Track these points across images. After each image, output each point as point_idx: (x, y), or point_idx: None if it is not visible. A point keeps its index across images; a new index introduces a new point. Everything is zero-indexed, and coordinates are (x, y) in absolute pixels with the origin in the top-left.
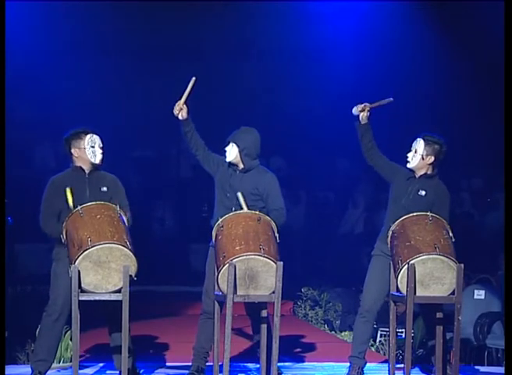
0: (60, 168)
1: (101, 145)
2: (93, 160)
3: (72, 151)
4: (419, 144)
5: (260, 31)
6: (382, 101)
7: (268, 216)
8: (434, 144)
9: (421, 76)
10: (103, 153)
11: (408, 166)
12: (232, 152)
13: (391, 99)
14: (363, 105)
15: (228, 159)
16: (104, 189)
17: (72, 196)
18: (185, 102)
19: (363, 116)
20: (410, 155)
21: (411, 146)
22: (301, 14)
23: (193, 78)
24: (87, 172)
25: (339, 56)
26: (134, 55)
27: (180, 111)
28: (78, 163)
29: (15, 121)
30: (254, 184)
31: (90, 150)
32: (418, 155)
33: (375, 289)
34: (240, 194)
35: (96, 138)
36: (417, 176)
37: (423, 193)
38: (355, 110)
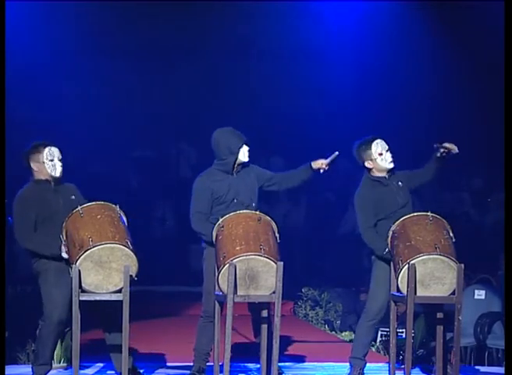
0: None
1: (60, 157)
2: (53, 173)
3: (32, 165)
4: (385, 144)
5: (260, 31)
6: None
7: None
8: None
9: (421, 76)
10: (62, 166)
11: (391, 166)
12: (247, 152)
13: (336, 153)
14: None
15: (246, 160)
16: (73, 197)
17: None
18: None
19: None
20: (389, 155)
21: (380, 150)
22: (301, 14)
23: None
24: (52, 183)
25: (339, 56)
26: (134, 55)
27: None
28: (39, 177)
29: (15, 121)
30: (251, 176)
31: (49, 163)
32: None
33: (384, 293)
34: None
35: (55, 151)
36: (387, 177)
37: (401, 184)
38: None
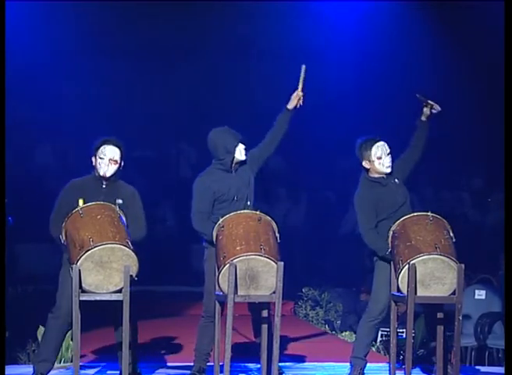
0: (59, 168)
1: (115, 158)
2: (99, 171)
3: (93, 159)
4: (387, 148)
5: (260, 31)
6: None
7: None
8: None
9: (421, 76)
10: (119, 167)
11: (388, 171)
12: (244, 151)
13: (303, 66)
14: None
15: (243, 158)
16: (120, 201)
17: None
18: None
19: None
20: (388, 160)
21: (380, 154)
22: (301, 14)
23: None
24: (104, 182)
25: (339, 56)
26: (134, 55)
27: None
28: (95, 172)
29: (15, 121)
30: (247, 172)
31: (98, 161)
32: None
33: (385, 295)
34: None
35: (109, 150)
36: (384, 177)
37: (397, 181)
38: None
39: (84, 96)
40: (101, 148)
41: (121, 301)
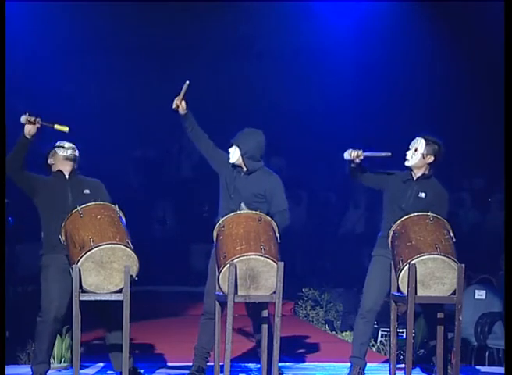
0: None
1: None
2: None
3: (49, 161)
4: (420, 143)
5: (260, 31)
6: (379, 154)
7: (271, 218)
8: (434, 144)
9: (422, 76)
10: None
11: (407, 163)
12: (235, 155)
13: (389, 154)
14: (356, 153)
15: (231, 161)
16: (87, 191)
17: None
18: (183, 98)
19: (355, 162)
20: (409, 153)
21: (409, 145)
22: (301, 14)
23: (187, 82)
24: (67, 175)
25: (339, 56)
26: (134, 54)
27: (178, 107)
28: (56, 168)
29: (15, 121)
30: (258, 187)
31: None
32: (419, 154)
33: (376, 289)
34: (243, 205)
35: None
36: (414, 178)
37: (423, 195)
38: (347, 155)
39: (84, 96)
40: (58, 145)
41: (117, 302)
